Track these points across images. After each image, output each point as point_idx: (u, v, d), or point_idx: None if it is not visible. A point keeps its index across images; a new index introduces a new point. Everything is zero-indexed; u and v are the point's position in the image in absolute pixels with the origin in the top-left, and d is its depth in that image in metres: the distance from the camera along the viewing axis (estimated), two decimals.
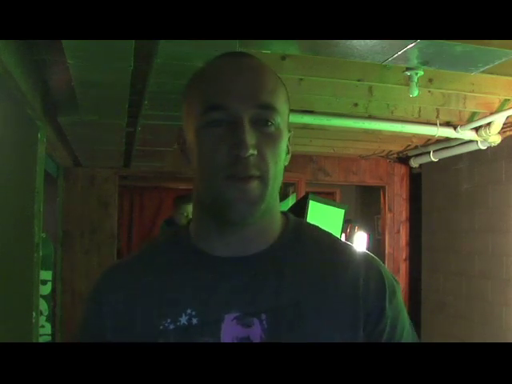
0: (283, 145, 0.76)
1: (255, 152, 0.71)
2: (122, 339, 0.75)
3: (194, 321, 0.72)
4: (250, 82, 0.74)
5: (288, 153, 0.80)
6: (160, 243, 0.86)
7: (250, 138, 0.70)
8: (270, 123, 0.73)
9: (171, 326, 0.72)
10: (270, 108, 0.73)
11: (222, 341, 0.71)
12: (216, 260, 0.77)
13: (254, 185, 0.71)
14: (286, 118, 0.78)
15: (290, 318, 0.73)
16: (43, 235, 2.61)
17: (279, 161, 0.75)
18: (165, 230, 3.52)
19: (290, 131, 0.81)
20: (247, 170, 0.70)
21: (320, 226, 0.86)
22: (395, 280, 0.83)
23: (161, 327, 0.73)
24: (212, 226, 0.77)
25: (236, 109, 0.71)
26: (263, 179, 0.72)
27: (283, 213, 0.85)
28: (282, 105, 0.76)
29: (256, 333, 0.71)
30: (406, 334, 0.83)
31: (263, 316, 0.72)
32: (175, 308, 0.74)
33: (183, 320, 0.72)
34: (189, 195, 3.45)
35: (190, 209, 3.24)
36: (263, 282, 0.75)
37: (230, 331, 0.72)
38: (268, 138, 0.73)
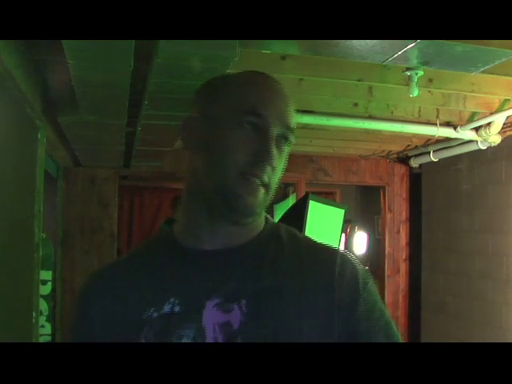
0: (286, 163, 0.86)
1: (274, 164, 0.81)
2: (109, 332, 0.79)
3: (177, 308, 0.77)
4: (284, 104, 0.85)
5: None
6: (145, 244, 0.93)
7: (275, 150, 0.81)
8: (287, 143, 0.85)
9: (155, 315, 0.77)
10: (291, 130, 0.85)
11: (203, 326, 0.75)
12: (198, 253, 0.83)
13: (262, 191, 0.81)
14: None
15: (268, 304, 0.78)
16: (43, 235, 2.61)
17: (278, 178, 0.85)
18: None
19: None
20: (263, 175, 0.80)
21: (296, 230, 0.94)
22: (368, 273, 0.88)
23: (144, 316, 0.77)
24: (202, 222, 0.84)
25: (272, 122, 0.81)
26: (268, 189, 0.82)
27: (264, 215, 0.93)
28: (294, 130, 0.87)
29: (236, 317, 0.76)
30: (385, 325, 0.85)
31: (243, 301, 0.77)
32: (159, 298, 0.78)
33: (166, 308, 0.77)
34: None
35: None
36: (243, 271, 0.81)
37: (210, 317, 0.76)
38: (281, 155, 0.84)
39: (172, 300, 0.77)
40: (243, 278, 0.80)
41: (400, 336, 0.88)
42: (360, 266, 0.86)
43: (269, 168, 0.80)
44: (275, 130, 0.81)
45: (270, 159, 0.79)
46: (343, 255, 0.86)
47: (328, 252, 0.87)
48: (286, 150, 0.85)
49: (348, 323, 0.80)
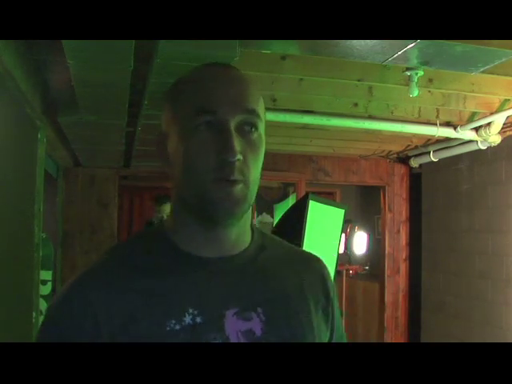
0: (263, 152, 0.81)
1: (240, 157, 0.75)
2: (125, 342, 0.73)
3: (198, 319, 0.75)
4: (237, 89, 0.79)
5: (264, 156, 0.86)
6: (140, 243, 0.85)
7: (237, 143, 0.75)
8: (254, 130, 0.78)
9: (177, 327, 0.74)
10: (254, 115, 0.78)
11: (227, 335, 0.75)
12: (204, 260, 0.80)
13: (239, 187, 0.76)
14: (264, 125, 0.83)
15: (282, 310, 0.80)
16: (43, 235, 2.61)
17: (259, 167, 0.80)
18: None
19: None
20: (233, 173, 0.75)
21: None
22: None
23: (167, 328, 0.73)
24: (197, 228, 0.81)
25: (225, 114, 0.76)
26: (246, 183, 0.77)
27: None
28: (263, 114, 0.81)
29: (257, 325, 0.77)
30: (342, 325, 0.94)
31: (259, 309, 0.78)
32: (176, 309, 0.75)
33: (187, 319, 0.74)
34: (166, 195, 3.31)
35: (167, 209, 3.12)
36: (250, 278, 0.81)
37: (232, 326, 0.76)
38: (251, 144, 0.78)
39: (191, 310, 0.75)
40: (252, 286, 0.81)
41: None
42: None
43: (238, 163, 0.75)
44: (232, 121, 0.76)
45: (234, 154, 0.74)
46: (320, 261, 0.93)
47: (312, 257, 0.93)
48: (257, 135, 0.79)
49: (332, 322, 0.88)
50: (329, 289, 0.89)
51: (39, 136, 2.17)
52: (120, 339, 0.73)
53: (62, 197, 3.91)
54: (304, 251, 0.96)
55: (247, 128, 0.78)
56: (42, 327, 0.78)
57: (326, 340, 0.85)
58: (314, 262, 0.92)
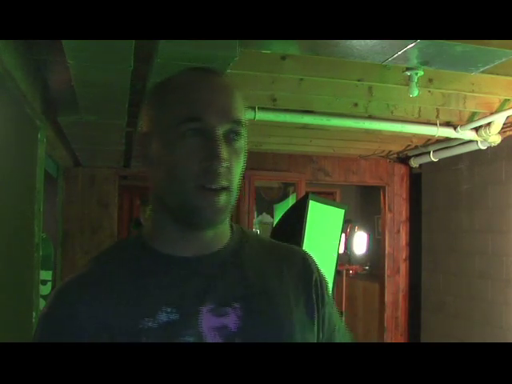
0: (244, 158, 0.82)
1: (226, 165, 0.76)
2: (103, 342, 0.75)
3: (173, 316, 0.76)
4: (225, 98, 0.80)
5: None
6: (117, 249, 0.90)
7: (224, 151, 0.76)
8: (238, 138, 0.79)
9: (150, 324, 0.75)
10: (239, 123, 0.79)
11: (201, 331, 0.76)
12: (178, 260, 0.81)
13: (223, 195, 0.77)
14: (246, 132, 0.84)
15: (259, 305, 0.80)
16: (43, 235, 2.62)
17: (241, 172, 0.81)
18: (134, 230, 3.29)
19: None
20: (218, 180, 0.76)
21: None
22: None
23: (140, 326, 0.75)
24: (175, 229, 0.82)
25: (212, 122, 0.76)
26: (230, 189, 0.78)
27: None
28: (245, 121, 0.82)
29: (232, 321, 0.77)
30: (340, 322, 0.93)
31: (236, 305, 0.78)
32: (151, 307, 0.76)
33: (162, 317, 0.76)
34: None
35: None
36: (229, 274, 0.82)
37: (207, 322, 0.76)
38: (235, 151, 0.79)
39: (165, 308, 0.76)
40: (229, 282, 0.80)
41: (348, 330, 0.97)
42: (318, 265, 0.92)
43: (223, 170, 0.76)
44: (220, 130, 0.77)
45: (220, 163, 0.75)
46: (308, 255, 0.92)
47: (296, 252, 0.92)
48: (239, 144, 0.80)
49: (319, 318, 0.86)
50: (313, 281, 0.87)
51: (39, 136, 2.17)
52: (98, 341, 0.74)
53: (61, 197, 3.91)
54: (286, 245, 0.93)
55: (233, 136, 0.78)
56: (35, 332, 0.82)
57: (310, 333, 0.83)
58: (296, 255, 0.91)
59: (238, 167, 0.80)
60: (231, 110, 0.79)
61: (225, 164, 0.75)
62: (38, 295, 2.26)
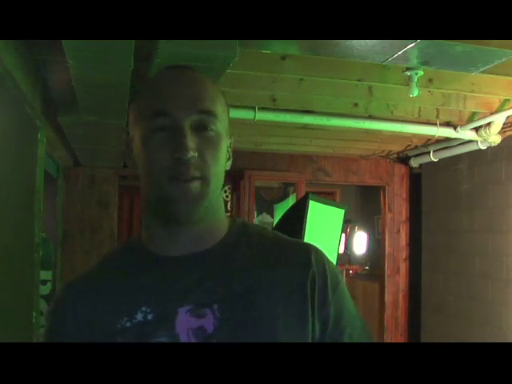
0: (223, 149, 0.82)
1: (195, 154, 0.77)
2: (85, 342, 0.78)
3: (149, 317, 0.77)
4: (190, 90, 0.81)
5: (229, 158, 0.87)
6: (115, 251, 0.93)
7: (191, 141, 0.76)
8: (209, 128, 0.79)
9: (128, 324, 0.77)
10: (209, 114, 0.80)
11: (177, 332, 0.75)
12: (166, 259, 0.82)
13: (196, 185, 0.78)
14: (225, 125, 0.84)
15: (240, 306, 0.78)
16: (43, 235, 2.61)
17: (220, 163, 0.81)
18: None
19: (230, 138, 0.87)
20: (188, 171, 0.77)
21: (265, 227, 0.94)
22: (338, 272, 0.89)
23: (118, 325, 0.77)
24: (160, 227, 0.83)
25: (178, 115, 0.78)
26: (205, 179, 0.78)
27: (231, 217, 0.91)
28: (220, 112, 0.82)
29: (209, 322, 0.76)
30: (354, 326, 0.85)
31: (215, 306, 0.77)
32: (131, 307, 0.78)
33: (139, 317, 0.77)
34: None
35: None
36: (213, 275, 0.80)
37: (183, 323, 0.76)
38: (208, 141, 0.79)
39: (144, 308, 0.77)
40: (213, 283, 0.79)
41: (370, 336, 0.90)
42: (330, 265, 0.86)
43: (194, 161, 0.77)
44: (186, 122, 0.77)
45: (187, 153, 0.75)
46: (316, 254, 0.85)
47: (300, 250, 0.86)
48: (212, 133, 0.80)
49: (316, 322, 0.80)
50: (309, 279, 0.81)
51: (39, 136, 2.17)
52: (81, 340, 0.78)
53: (61, 197, 3.91)
54: (290, 241, 0.89)
55: (203, 127, 0.79)
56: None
57: (299, 336, 0.78)
58: (297, 252, 0.85)
59: (214, 157, 0.80)
60: (198, 102, 0.79)
61: (192, 154, 0.76)
62: (38, 295, 2.26)
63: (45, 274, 3.05)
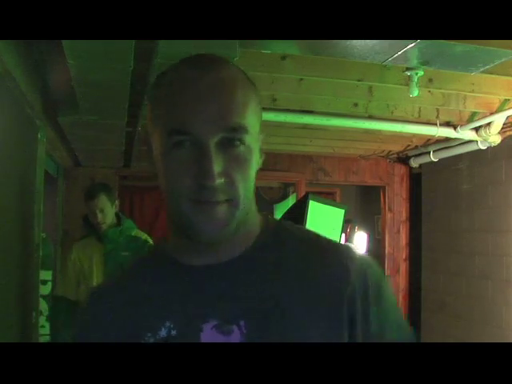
0: (254, 160, 0.72)
1: (222, 180, 0.68)
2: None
3: (173, 333, 0.72)
4: (216, 101, 0.68)
5: (261, 157, 0.76)
6: (142, 258, 0.89)
7: (217, 165, 0.67)
8: (239, 144, 0.69)
9: (151, 340, 0.73)
10: (238, 130, 0.69)
11: None
12: (192, 269, 0.76)
13: (222, 208, 0.69)
14: (257, 129, 0.74)
15: (269, 323, 0.71)
16: (43, 235, 2.61)
17: (249, 180, 0.72)
18: (84, 228, 3.08)
19: (261, 133, 0.77)
20: (214, 196, 0.68)
21: (305, 227, 0.85)
22: (382, 277, 0.80)
23: (142, 341, 0.73)
24: (186, 239, 0.75)
25: (201, 134, 0.67)
26: (233, 202, 0.70)
27: (264, 215, 0.82)
28: (252, 118, 0.72)
29: (236, 339, 0.70)
30: (399, 331, 0.81)
31: (241, 322, 0.71)
32: (154, 321, 0.74)
33: (162, 333, 0.72)
34: (93, 186, 2.91)
35: (96, 204, 2.77)
36: (241, 286, 0.73)
37: (209, 340, 0.71)
38: (236, 160, 0.69)
39: (168, 323, 0.72)
40: (239, 296, 0.72)
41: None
42: (372, 271, 0.77)
43: (220, 186, 0.67)
44: (212, 141, 0.67)
45: (213, 180, 0.66)
46: (353, 258, 0.76)
47: (339, 257, 0.76)
48: (241, 149, 0.69)
49: (357, 335, 0.73)
50: (347, 293, 0.72)
51: (39, 136, 2.17)
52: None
53: (61, 197, 3.91)
54: (331, 246, 0.79)
55: (231, 143, 0.68)
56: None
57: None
58: (335, 260, 0.75)
59: (243, 176, 0.70)
60: (226, 117, 0.68)
61: (219, 180, 0.67)
62: (37, 295, 2.26)
63: (45, 274, 3.05)
